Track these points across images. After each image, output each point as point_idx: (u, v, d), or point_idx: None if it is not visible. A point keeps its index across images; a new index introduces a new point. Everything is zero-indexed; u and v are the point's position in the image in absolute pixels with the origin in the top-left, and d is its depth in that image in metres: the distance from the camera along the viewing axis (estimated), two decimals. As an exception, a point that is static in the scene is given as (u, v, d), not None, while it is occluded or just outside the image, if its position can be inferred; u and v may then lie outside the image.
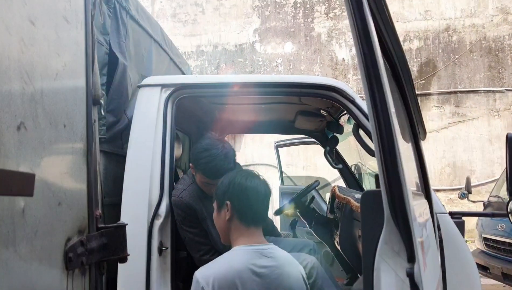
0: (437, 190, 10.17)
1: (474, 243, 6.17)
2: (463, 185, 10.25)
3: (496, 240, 5.04)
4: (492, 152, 10.47)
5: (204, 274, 1.49)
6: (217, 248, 2.01)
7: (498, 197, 5.43)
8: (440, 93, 10.86)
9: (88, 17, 0.93)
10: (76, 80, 0.86)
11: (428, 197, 1.72)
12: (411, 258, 0.66)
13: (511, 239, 4.76)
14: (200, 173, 2.04)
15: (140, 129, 2.03)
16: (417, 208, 0.96)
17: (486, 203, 5.73)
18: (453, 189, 9.86)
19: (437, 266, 1.15)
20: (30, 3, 0.67)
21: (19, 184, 0.53)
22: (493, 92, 10.68)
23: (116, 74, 2.07)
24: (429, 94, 10.86)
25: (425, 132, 1.72)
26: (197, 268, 2.09)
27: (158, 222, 1.93)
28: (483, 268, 5.23)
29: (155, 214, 1.93)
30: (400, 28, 11.28)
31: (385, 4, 1.04)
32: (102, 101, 1.04)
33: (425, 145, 11.06)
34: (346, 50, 11.58)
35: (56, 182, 0.73)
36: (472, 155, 10.47)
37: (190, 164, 2.14)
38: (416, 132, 1.67)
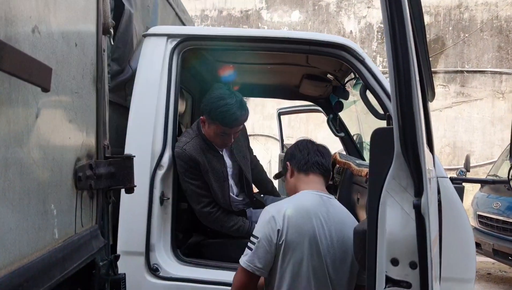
0: (435, 169, 10.24)
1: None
2: (461, 166, 10.32)
3: (490, 218, 5.11)
4: (493, 134, 10.45)
5: (276, 206, 1.60)
6: (218, 201, 2.03)
7: (496, 176, 5.47)
8: (446, 72, 10.74)
9: None
10: (87, 4, 0.84)
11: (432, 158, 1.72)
12: (419, 192, 0.67)
13: (505, 216, 4.82)
14: (218, 123, 2.03)
15: (145, 80, 2.01)
16: (426, 154, 0.96)
17: (484, 181, 5.77)
18: (452, 169, 9.88)
19: (435, 216, 1.16)
20: None
21: (38, 73, 0.52)
22: (500, 73, 10.55)
23: (122, 21, 2.03)
24: (435, 72, 10.72)
25: (434, 93, 1.71)
26: (197, 220, 2.13)
27: (160, 173, 1.94)
28: (476, 245, 5.33)
29: (158, 165, 1.94)
30: (411, 3, 11.03)
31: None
32: (111, 31, 1.02)
33: (426, 123, 11.02)
34: (354, 23, 11.36)
35: (67, 99, 0.72)
36: (473, 136, 10.46)
37: (202, 117, 2.12)
38: (425, 93, 1.66)
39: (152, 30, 2.12)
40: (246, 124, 2.25)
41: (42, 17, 0.61)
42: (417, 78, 0.75)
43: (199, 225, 2.12)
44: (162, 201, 1.95)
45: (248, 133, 2.51)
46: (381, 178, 0.77)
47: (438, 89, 10.80)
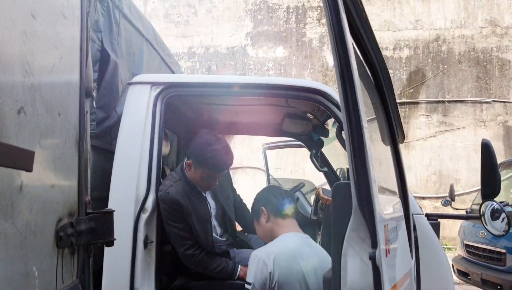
0: (423, 198, 10.35)
1: (457, 250, 6.30)
2: (447, 194, 10.46)
3: (477, 247, 5.16)
4: (478, 162, 10.65)
5: (263, 251, 1.69)
6: (201, 243, 2.06)
7: (480, 204, 5.56)
8: (428, 102, 11.06)
9: (83, 13, 0.99)
10: (71, 73, 0.92)
11: (404, 198, 1.80)
12: (374, 243, 0.73)
13: (491, 246, 4.87)
14: (204, 167, 2.10)
15: (129, 126, 2.08)
16: (387, 203, 1.03)
17: (468, 210, 5.85)
18: (439, 197, 10.02)
19: (406, 258, 1.23)
20: (33, -1, 0.72)
21: (21, 158, 0.59)
22: (480, 102, 10.90)
23: (108, 71, 2.12)
24: (417, 103, 11.04)
25: (403, 136, 1.80)
26: (181, 262, 2.15)
27: (144, 216, 1.98)
28: (464, 274, 5.35)
29: (142, 208, 1.98)
30: (390, 37, 11.47)
31: (363, 11, 1.12)
32: (94, 94, 1.09)
33: (412, 153, 11.23)
34: (337, 57, 11.73)
35: (50, 166, 0.78)
36: (458, 164, 10.66)
37: (188, 161, 2.19)
38: (395, 136, 1.76)
39: (136, 79, 2.22)
40: (234, 156, 2.31)
41: (28, 99, 0.68)
42: (367, 135, 0.83)
43: (183, 267, 2.14)
44: (146, 244, 1.98)
45: (237, 166, 2.57)
46: (342, 230, 0.84)
47: (421, 119, 11.08)
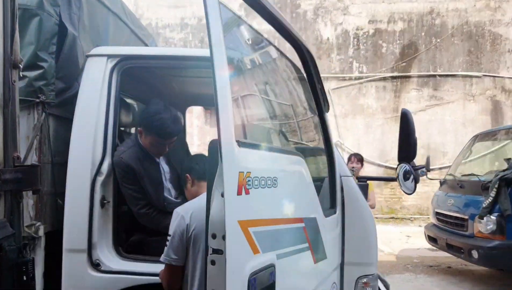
0: (410, 170, 10.55)
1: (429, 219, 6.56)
2: (436, 166, 10.67)
3: (445, 214, 5.42)
4: (465, 135, 10.78)
5: (183, 207, 1.86)
6: (153, 203, 2.28)
7: (452, 175, 5.79)
8: (419, 76, 11.11)
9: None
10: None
11: (330, 161, 2.00)
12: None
13: (456, 212, 5.13)
14: (153, 134, 2.29)
15: (86, 96, 2.25)
16: (271, 160, 1.24)
17: (442, 180, 6.08)
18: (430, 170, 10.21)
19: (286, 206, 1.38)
20: None
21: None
22: (471, 76, 10.95)
23: (65, 43, 2.27)
24: (409, 77, 11.10)
25: (328, 106, 1.97)
26: (138, 220, 2.38)
27: (100, 179, 2.18)
28: (433, 240, 5.64)
29: (98, 172, 2.18)
30: (385, 9, 11.40)
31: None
32: (21, 66, 1.24)
33: (401, 126, 11.32)
34: (331, 29, 11.69)
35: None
36: (446, 137, 10.83)
37: (139, 128, 2.38)
38: (320, 107, 1.94)
39: (94, 51, 2.37)
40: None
41: None
42: (225, 97, 1.01)
43: (140, 225, 2.36)
44: (103, 204, 2.19)
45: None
46: (213, 176, 1.05)
47: (412, 93, 11.16)
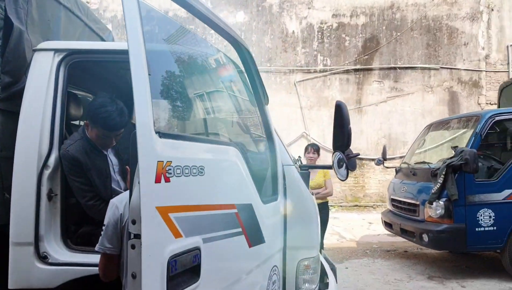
0: (372, 159, 10.89)
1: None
2: (397, 155, 11.07)
3: (399, 200, 5.67)
4: (424, 125, 11.24)
5: (118, 197, 1.87)
6: (101, 195, 2.32)
7: (407, 163, 6.05)
8: (381, 69, 11.45)
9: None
10: None
11: (272, 150, 2.10)
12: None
13: (409, 198, 5.38)
14: (99, 127, 2.32)
15: (33, 90, 2.25)
16: (192, 149, 1.32)
17: (397, 169, 6.34)
18: (387, 159, 10.56)
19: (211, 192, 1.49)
20: None
21: None
22: (429, 69, 11.38)
23: (11, 38, 2.27)
24: (371, 69, 11.42)
25: (267, 99, 2.07)
26: (86, 212, 2.41)
27: (47, 172, 2.20)
28: (389, 226, 5.89)
29: (44, 165, 2.20)
30: (348, 3, 11.64)
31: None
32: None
33: (364, 118, 11.62)
34: (296, 23, 11.85)
35: None
36: (406, 127, 11.24)
37: (86, 121, 2.40)
38: (260, 99, 2.03)
39: (41, 45, 2.37)
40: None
41: None
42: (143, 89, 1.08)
43: (89, 217, 2.40)
44: (50, 197, 2.21)
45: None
46: (135, 166, 1.12)
47: (374, 85, 11.48)
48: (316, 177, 4.85)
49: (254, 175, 1.82)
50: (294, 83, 11.46)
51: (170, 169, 1.14)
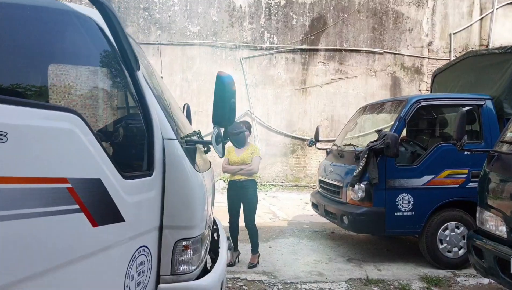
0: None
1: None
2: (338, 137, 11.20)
3: (326, 182, 5.67)
4: (365, 109, 11.40)
5: None
6: None
7: (336, 145, 6.04)
8: (327, 50, 11.42)
9: None
10: None
11: (147, 123, 1.88)
12: None
13: (335, 180, 5.38)
14: None
15: None
16: None
17: (328, 150, 6.34)
18: (329, 141, 10.65)
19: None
20: None
21: None
22: (373, 53, 11.50)
23: None
24: (317, 50, 11.36)
25: (138, 65, 1.83)
26: None
27: None
28: (316, 207, 5.90)
29: None
30: (297, -19, 11.42)
31: None
32: None
33: (308, 98, 11.59)
34: (244, -3, 11.49)
35: None
36: (348, 110, 11.36)
37: None
38: (130, 65, 1.79)
39: None
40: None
41: None
42: None
43: None
44: None
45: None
46: None
47: (319, 66, 11.45)
48: (244, 153, 4.70)
49: (116, 148, 1.60)
50: (240, 60, 11.19)
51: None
